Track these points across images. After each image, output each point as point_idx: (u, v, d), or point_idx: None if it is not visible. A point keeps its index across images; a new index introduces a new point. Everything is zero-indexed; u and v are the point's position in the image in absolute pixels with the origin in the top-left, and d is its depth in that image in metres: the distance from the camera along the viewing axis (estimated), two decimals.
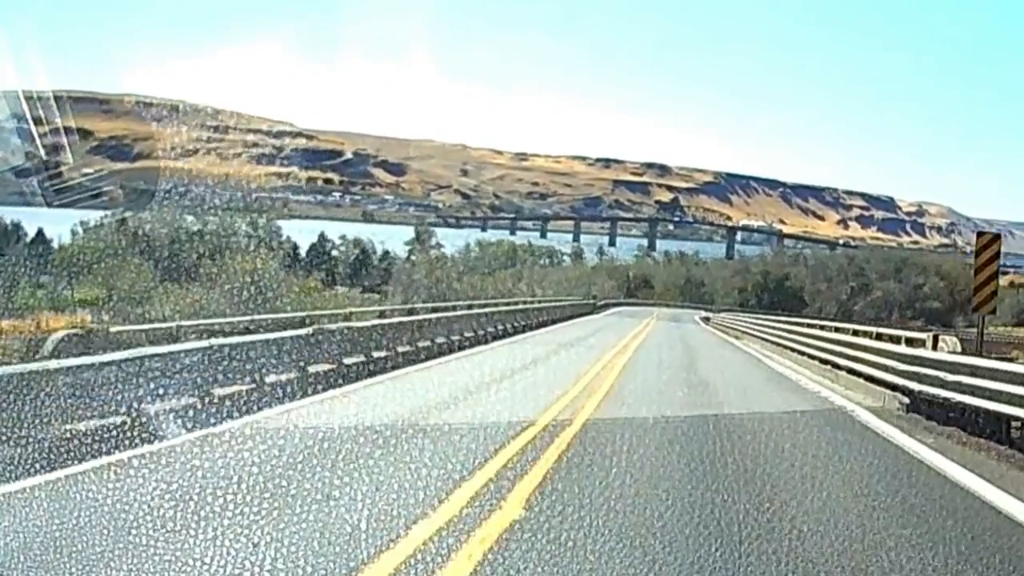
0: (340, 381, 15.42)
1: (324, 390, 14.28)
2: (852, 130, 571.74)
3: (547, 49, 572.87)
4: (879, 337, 19.11)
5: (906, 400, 14.23)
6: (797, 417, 13.86)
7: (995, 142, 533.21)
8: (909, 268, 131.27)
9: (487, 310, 33.88)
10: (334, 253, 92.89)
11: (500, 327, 32.27)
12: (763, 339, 34.14)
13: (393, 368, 18.22)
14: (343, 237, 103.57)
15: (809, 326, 29.22)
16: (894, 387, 14.93)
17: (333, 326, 18.37)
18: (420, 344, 21.97)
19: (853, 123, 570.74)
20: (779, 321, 36.42)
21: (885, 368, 15.71)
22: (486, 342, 27.77)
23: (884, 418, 13.43)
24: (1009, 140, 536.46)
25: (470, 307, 34.19)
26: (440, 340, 23.94)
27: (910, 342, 16.87)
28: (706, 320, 67.16)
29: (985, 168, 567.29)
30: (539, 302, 50.49)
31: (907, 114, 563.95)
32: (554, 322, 44.12)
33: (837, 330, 24.28)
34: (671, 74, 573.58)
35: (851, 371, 18.13)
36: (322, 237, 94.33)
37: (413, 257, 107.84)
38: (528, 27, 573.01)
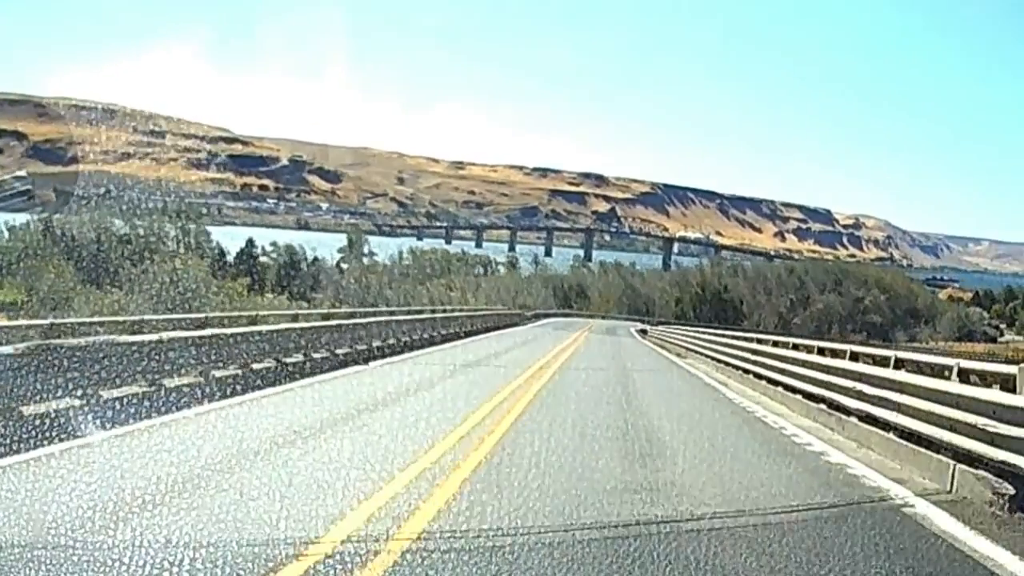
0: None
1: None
2: (790, 142, 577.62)
3: (485, 57, 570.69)
4: (899, 365, 12.46)
5: (1009, 487, 7.87)
6: (823, 522, 7.24)
7: (931, 157, 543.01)
8: (850, 281, 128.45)
9: (381, 319, 27.48)
10: (263, 259, 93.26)
11: (399, 339, 26.45)
12: (711, 358, 27.98)
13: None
14: (274, 244, 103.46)
15: (760, 341, 23.36)
16: (972, 458, 8.60)
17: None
18: (286, 360, 17.20)
19: (792, 136, 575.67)
20: (724, 335, 30.39)
21: (941, 422, 9.37)
22: (371, 359, 21.78)
23: (986, 532, 7.09)
24: (945, 156, 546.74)
25: (352, 315, 27.92)
26: (320, 355, 19.18)
27: (966, 376, 10.40)
28: (643, 333, 62.84)
29: (921, 182, 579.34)
30: (453, 311, 43.92)
31: (845, 128, 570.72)
32: (470, 334, 38.63)
33: (807, 350, 17.83)
34: (609, 84, 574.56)
35: (868, 417, 11.79)
36: (250, 243, 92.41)
37: (344, 265, 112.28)
38: (467, 36, 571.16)
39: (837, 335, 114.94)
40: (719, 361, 26.22)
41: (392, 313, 33.19)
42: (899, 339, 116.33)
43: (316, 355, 19.06)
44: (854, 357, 13.98)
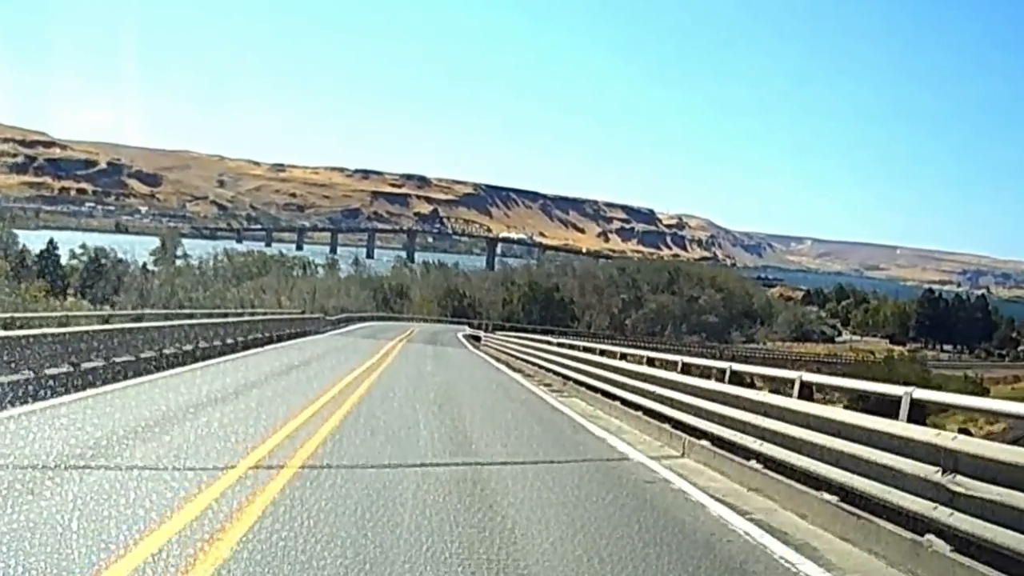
0: None
1: None
2: (613, 143, 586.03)
3: (307, 59, 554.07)
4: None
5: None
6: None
7: (753, 157, 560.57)
8: (684, 280, 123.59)
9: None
10: (67, 262, 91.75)
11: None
12: (585, 385, 19.42)
13: None
14: (83, 246, 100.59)
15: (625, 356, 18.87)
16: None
17: None
18: None
19: (615, 136, 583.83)
20: (581, 347, 23.89)
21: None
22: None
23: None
24: (766, 155, 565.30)
25: None
26: None
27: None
28: (475, 341, 53.33)
29: (744, 182, 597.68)
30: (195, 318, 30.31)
31: (667, 128, 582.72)
32: (238, 349, 27.29)
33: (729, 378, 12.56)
34: (431, 86, 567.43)
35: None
36: (51, 244, 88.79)
37: (151, 267, 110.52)
38: (290, 39, 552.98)
39: (671, 336, 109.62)
40: (595, 391, 18.34)
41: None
42: (735, 340, 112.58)
43: None
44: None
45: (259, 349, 29.37)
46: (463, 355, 38.83)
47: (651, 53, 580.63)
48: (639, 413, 14.41)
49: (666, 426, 12.82)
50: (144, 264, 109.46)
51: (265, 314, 44.51)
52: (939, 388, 70.36)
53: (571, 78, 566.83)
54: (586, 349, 22.91)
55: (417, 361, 29.84)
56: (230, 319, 31.75)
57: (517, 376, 26.64)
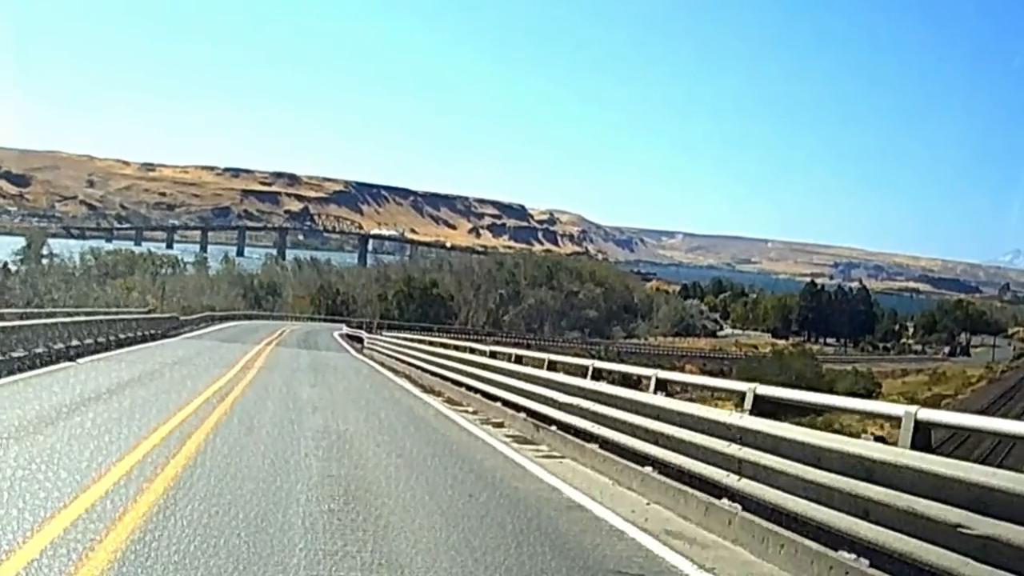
0: None
1: None
2: (484, 140, 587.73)
3: (174, 58, 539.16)
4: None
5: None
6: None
7: (624, 151, 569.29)
8: (563, 274, 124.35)
9: None
10: None
11: None
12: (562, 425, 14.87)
13: None
14: None
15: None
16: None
17: None
18: None
19: (485, 132, 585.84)
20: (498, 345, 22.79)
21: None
22: None
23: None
24: (637, 149, 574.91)
25: None
26: None
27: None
28: (357, 343, 47.54)
29: (615, 177, 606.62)
30: None
31: (538, 124, 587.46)
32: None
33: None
34: (299, 82, 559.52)
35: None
36: None
37: (12, 267, 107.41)
38: (154, 36, 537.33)
39: (551, 332, 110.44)
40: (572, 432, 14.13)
41: None
42: (616, 335, 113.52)
43: None
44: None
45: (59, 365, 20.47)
46: (348, 364, 32.34)
47: (521, 50, 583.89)
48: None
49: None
50: (5, 264, 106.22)
51: (93, 314, 34.23)
52: (831, 384, 69.28)
53: (442, 76, 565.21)
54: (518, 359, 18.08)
55: (288, 380, 22.19)
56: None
57: (441, 406, 18.56)
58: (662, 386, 10.00)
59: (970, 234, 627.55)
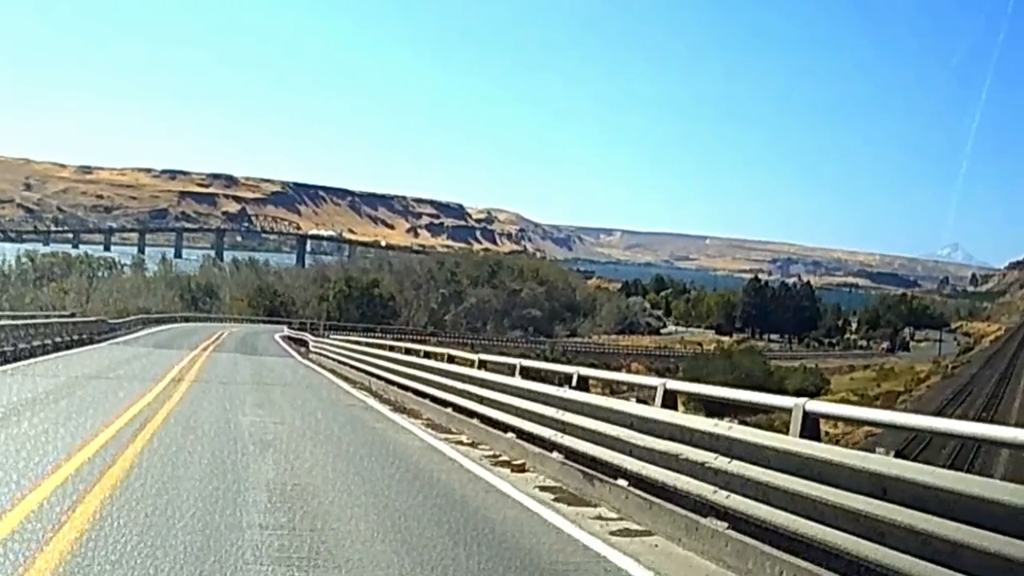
0: None
1: None
2: (421, 139, 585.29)
3: (110, 59, 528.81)
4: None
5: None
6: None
7: (561, 150, 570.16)
8: (504, 273, 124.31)
9: None
10: None
11: None
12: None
13: None
14: None
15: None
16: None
17: None
18: None
19: (422, 132, 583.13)
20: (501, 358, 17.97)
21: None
22: None
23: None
24: (574, 148, 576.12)
25: None
26: None
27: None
28: (301, 347, 45.52)
29: (552, 175, 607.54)
30: None
31: (475, 123, 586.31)
32: None
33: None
34: (234, 84, 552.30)
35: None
36: None
37: None
38: (90, 38, 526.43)
39: (493, 332, 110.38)
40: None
41: None
42: (559, 333, 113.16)
43: None
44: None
45: None
46: (294, 373, 28.88)
47: (459, 50, 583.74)
48: None
49: None
50: None
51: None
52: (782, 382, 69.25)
53: (378, 75, 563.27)
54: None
55: (226, 399, 17.93)
56: None
57: (422, 432, 14.50)
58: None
59: (908, 228, 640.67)
